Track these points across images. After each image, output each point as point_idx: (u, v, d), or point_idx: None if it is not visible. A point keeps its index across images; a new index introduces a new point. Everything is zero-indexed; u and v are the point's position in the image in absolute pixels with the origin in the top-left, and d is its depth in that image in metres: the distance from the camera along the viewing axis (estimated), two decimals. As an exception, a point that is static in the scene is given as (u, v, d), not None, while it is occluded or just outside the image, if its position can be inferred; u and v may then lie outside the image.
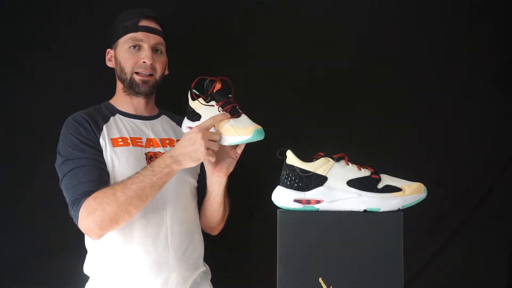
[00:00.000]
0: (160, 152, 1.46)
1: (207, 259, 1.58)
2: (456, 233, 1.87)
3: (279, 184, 1.19)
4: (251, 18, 1.84)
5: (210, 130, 1.31)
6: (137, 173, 1.33)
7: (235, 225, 1.73)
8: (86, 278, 1.46)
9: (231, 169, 1.41)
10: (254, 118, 1.33)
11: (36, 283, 1.66)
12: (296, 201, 1.16)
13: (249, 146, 1.36)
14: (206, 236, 1.60)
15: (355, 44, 1.85)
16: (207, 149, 1.28)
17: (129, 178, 1.32)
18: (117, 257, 1.39)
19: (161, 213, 1.41)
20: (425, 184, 1.20)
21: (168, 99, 1.61)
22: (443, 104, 1.87)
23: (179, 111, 1.59)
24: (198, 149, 1.28)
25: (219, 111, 1.33)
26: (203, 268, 1.52)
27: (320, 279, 1.14)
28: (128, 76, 1.46)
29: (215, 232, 1.61)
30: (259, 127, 1.28)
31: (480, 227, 1.88)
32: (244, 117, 1.32)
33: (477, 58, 1.88)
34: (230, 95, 1.35)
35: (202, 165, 1.49)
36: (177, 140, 1.52)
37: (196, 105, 1.38)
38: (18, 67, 1.69)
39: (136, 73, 1.46)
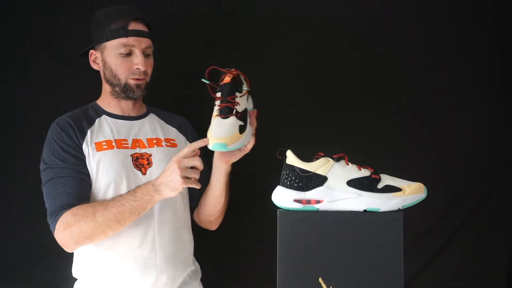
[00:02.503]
0: (147, 153, 1.46)
1: (206, 259, 1.58)
2: (456, 233, 1.87)
3: (279, 184, 1.19)
4: (251, 17, 1.84)
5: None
6: (120, 195, 1.34)
7: (235, 225, 1.73)
8: (74, 280, 1.46)
9: (234, 159, 1.39)
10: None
11: (23, 285, 1.66)
12: (296, 201, 1.16)
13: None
14: (206, 236, 1.60)
15: (355, 44, 1.85)
16: (185, 177, 1.27)
17: (111, 200, 1.34)
18: (104, 260, 1.39)
19: (148, 214, 1.39)
20: (425, 184, 1.19)
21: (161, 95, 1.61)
22: (443, 104, 1.87)
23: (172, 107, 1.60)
24: (174, 179, 1.28)
25: (215, 105, 1.31)
26: (193, 267, 1.52)
27: (320, 279, 1.14)
28: (123, 82, 1.44)
29: (214, 226, 1.59)
30: (224, 141, 1.23)
31: (480, 227, 1.88)
32: (228, 121, 1.27)
33: (477, 58, 1.88)
34: (240, 90, 1.31)
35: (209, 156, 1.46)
36: (165, 139, 1.52)
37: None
38: (16, 67, 1.69)
39: (130, 78, 1.44)
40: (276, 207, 1.18)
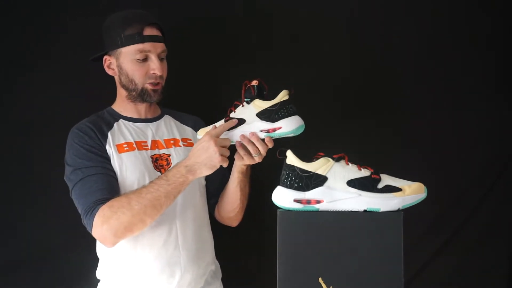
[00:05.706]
0: (165, 154, 1.48)
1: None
2: (456, 233, 1.88)
3: (279, 184, 1.19)
4: (256, 18, 1.83)
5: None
6: (151, 182, 1.34)
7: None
8: (97, 281, 1.48)
9: (243, 162, 1.38)
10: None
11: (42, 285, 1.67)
12: (296, 201, 1.16)
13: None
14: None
15: (355, 45, 1.85)
16: (221, 155, 1.29)
17: (144, 187, 1.33)
18: (128, 261, 1.40)
19: (170, 213, 1.41)
20: (425, 184, 1.19)
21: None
22: (443, 104, 1.88)
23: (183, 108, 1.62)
24: (212, 156, 1.29)
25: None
26: (212, 266, 1.53)
27: (320, 279, 1.14)
28: (140, 87, 1.45)
29: (235, 223, 1.60)
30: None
31: (480, 227, 1.88)
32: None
33: (477, 58, 1.88)
34: (247, 99, 1.34)
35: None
36: (182, 139, 1.53)
37: None
38: (20, 72, 1.68)
39: (147, 83, 1.45)
40: (276, 207, 1.18)
